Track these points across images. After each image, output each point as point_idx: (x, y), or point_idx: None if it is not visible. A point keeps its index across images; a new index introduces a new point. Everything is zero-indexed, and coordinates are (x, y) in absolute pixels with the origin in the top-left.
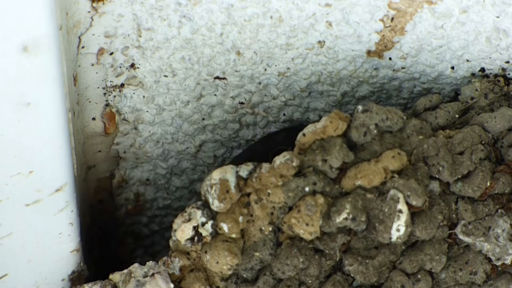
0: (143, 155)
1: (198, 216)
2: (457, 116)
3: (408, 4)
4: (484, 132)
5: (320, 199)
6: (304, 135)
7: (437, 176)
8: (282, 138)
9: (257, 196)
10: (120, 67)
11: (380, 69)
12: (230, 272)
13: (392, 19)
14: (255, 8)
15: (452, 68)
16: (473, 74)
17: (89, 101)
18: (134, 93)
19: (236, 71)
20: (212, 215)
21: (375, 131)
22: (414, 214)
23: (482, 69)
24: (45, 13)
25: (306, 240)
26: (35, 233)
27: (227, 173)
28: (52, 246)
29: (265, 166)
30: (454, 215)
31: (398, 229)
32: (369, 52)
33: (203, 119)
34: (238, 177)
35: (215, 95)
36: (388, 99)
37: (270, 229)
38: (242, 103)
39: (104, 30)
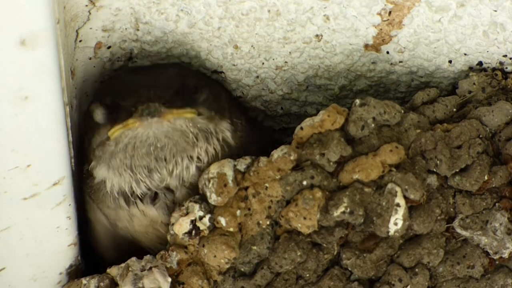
0: None
1: (196, 210)
2: (454, 110)
3: None
4: (481, 126)
5: (318, 193)
6: (301, 128)
7: (434, 170)
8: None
9: (255, 190)
10: (117, 61)
11: (378, 63)
12: (227, 266)
13: (390, 12)
14: (252, 2)
15: (450, 62)
16: (470, 68)
17: (87, 95)
18: None
19: (234, 65)
20: (210, 209)
21: (373, 125)
22: (412, 208)
23: (480, 63)
24: (42, 7)
25: (303, 234)
26: (33, 227)
27: (225, 167)
28: (49, 240)
29: (263, 160)
30: (451, 209)
31: (396, 223)
32: (366, 46)
33: None
34: (236, 171)
35: None
36: (385, 93)
37: (268, 223)
38: (239, 97)
39: (102, 24)
